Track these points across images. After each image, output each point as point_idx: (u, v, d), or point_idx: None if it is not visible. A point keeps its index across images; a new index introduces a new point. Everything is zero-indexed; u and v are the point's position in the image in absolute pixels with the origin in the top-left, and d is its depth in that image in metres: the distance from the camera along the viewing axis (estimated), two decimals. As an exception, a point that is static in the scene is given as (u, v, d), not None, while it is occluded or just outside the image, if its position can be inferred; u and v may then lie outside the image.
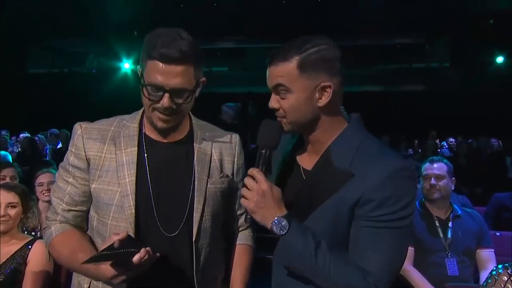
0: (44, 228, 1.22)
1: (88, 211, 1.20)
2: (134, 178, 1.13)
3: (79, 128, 1.18)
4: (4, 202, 1.74)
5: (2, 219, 1.72)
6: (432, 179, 2.29)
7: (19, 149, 6.29)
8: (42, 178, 2.69)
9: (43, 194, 2.63)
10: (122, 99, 7.19)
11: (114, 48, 11.54)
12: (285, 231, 0.97)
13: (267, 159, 1.04)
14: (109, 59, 12.22)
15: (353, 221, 1.00)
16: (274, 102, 1.06)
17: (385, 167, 0.97)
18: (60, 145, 6.57)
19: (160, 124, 1.13)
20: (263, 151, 1.04)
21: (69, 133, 6.63)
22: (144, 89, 1.09)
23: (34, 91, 11.41)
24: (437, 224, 2.25)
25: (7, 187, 1.81)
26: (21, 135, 7.02)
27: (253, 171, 1.01)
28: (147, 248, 0.98)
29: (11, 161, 4.41)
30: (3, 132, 6.74)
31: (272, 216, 0.97)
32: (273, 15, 10.18)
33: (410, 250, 2.21)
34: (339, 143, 1.05)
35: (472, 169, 5.29)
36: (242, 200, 1.01)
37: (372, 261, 0.96)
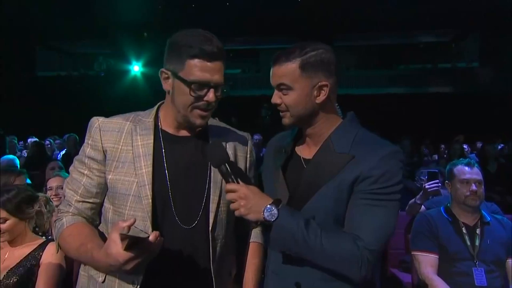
0: (55, 221, 1.28)
1: (101, 204, 1.27)
2: (150, 169, 1.21)
3: (96, 122, 1.26)
4: None
5: None
6: (473, 184, 2.26)
7: (27, 154, 6.48)
8: (52, 182, 2.76)
9: (51, 199, 2.69)
10: (131, 102, 7.36)
11: (123, 50, 11.80)
12: (276, 216, 1.12)
13: (230, 171, 1.19)
14: (118, 62, 12.49)
15: (351, 197, 1.17)
16: (276, 98, 1.25)
17: (381, 150, 1.17)
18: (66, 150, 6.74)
19: (199, 121, 1.23)
20: (223, 167, 1.18)
21: (77, 138, 6.82)
22: (189, 88, 1.17)
23: (42, 94, 11.75)
24: (464, 231, 2.24)
25: None
26: (29, 140, 7.24)
27: (227, 186, 1.17)
28: (157, 232, 1.04)
29: (18, 165, 4.58)
30: (8, 138, 6.97)
31: (261, 208, 1.13)
32: (288, 15, 10.23)
33: (434, 257, 2.21)
34: (337, 134, 1.25)
35: (503, 175, 5.20)
36: (235, 213, 1.16)
37: (364, 228, 1.13)
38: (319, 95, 1.21)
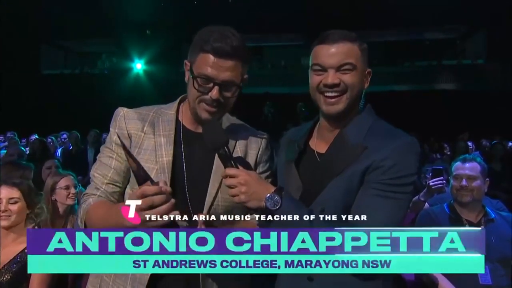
0: (80, 203, 1.30)
1: (124, 189, 1.32)
2: (171, 158, 1.24)
3: (121, 111, 1.32)
4: (6, 198, 1.83)
5: (3, 214, 1.81)
6: (464, 180, 2.22)
7: (30, 151, 6.49)
8: (67, 181, 2.66)
9: (68, 197, 2.61)
10: (134, 100, 7.35)
11: (127, 48, 11.85)
12: (279, 205, 1.09)
13: (229, 155, 1.14)
14: (121, 60, 12.54)
15: (361, 187, 1.13)
16: (334, 78, 1.16)
17: (395, 140, 1.13)
18: (70, 147, 6.75)
19: (204, 115, 1.23)
20: (221, 151, 1.13)
21: (79, 135, 6.82)
22: (194, 80, 1.20)
23: (47, 92, 11.80)
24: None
25: (10, 183, 1.88)
26: (31, 137, 7.26)
27: (226, 171, 1.11)
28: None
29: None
30: (9, 134, 7.00)
31: (263, 196, 1.09)
32: (292, 12, 10.19)
33: (437, 255, 2.16)
34: (352, 125, 1.21)
35: (509, 173, 5.13)
36: (234, 199, 1.12)
37: (369, 219, 1.08)
38: (367, 82, 1.22)
